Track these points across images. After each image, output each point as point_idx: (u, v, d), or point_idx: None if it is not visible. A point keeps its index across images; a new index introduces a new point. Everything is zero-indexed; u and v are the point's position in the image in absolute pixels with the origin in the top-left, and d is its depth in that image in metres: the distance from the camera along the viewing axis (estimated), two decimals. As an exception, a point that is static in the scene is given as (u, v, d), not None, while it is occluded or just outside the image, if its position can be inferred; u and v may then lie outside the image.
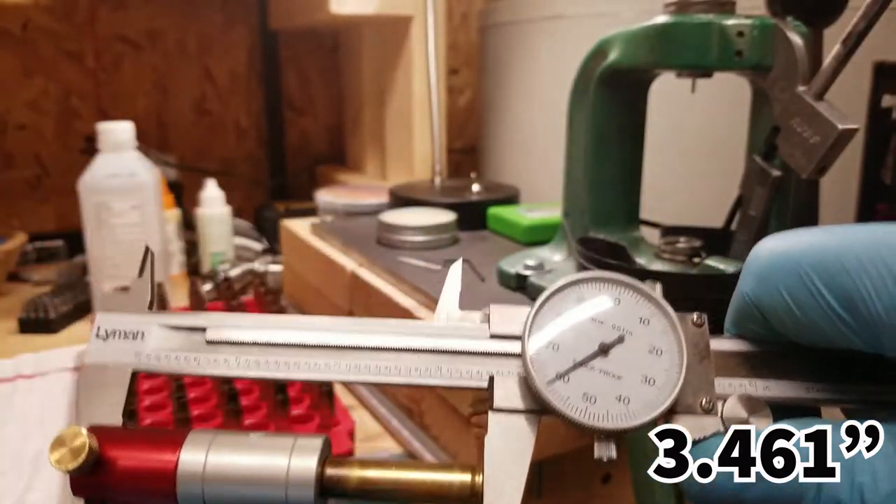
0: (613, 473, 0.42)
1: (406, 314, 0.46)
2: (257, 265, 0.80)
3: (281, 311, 0.56)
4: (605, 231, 0.45)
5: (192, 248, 0.89)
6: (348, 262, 0.56)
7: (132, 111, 1.03)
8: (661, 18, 0.38)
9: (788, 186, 0.38)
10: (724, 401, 0.17)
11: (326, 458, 0.18)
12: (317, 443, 0.17)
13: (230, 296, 0.60)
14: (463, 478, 0.17)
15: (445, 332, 0.18)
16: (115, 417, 0.18)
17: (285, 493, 0.17)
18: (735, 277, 0.36)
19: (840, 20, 0.38)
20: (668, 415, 0.17)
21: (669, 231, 0.44)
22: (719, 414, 0.17)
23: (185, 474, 0.17)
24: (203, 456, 0.17)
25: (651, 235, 0.47)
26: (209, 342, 0.18)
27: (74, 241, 0.94)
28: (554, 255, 0.48)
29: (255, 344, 0.18)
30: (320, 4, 0.81)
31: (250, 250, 0.88)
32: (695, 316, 0.18)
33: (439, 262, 0.52)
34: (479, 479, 0.17)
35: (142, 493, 0.17)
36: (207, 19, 1.05)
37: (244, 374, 0.18)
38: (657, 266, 0.41)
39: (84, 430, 0.17)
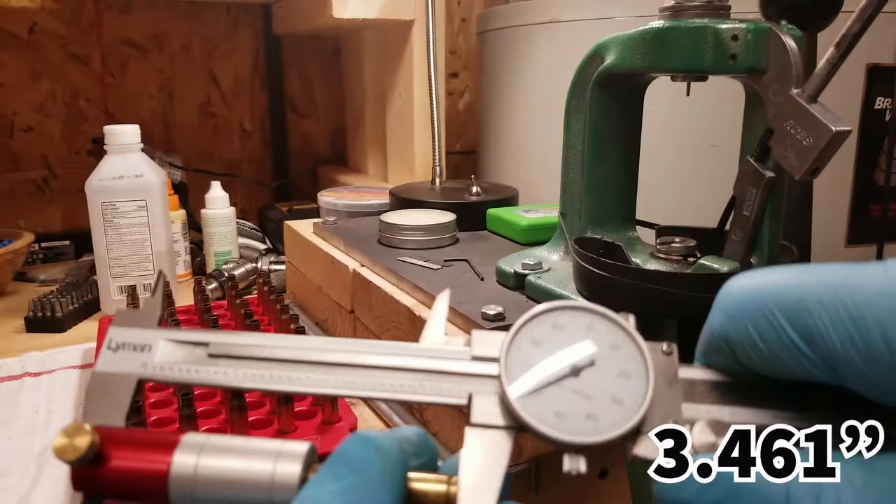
0: (610, 469, 0.43)
1: (406, 312, 0.46)
2: (261, 264, 0.81)
3: (284, 309, 0.56)
4: (601, 231, 0.46)
5: (197, 248, 0.90)
6: (350, 262, 0.57)
7: (138, 114, 1.04)
8: (657, 23, 0.39)
9: (782, 187, 0.38)
10: (692, 425, 0.18)
11: (311, 463, 0.18)
12: (302, 449, 0.18)
13: (234, 294, 0.61)
14: (438, 488, 0.18)
15: (430, 353, 0.19)
16: (118, 420, 0.19)
17: (270, 498, 0.17)
18: (729, 277, 0.37)
19: (834, 23, 0.38)
20: (636, 435, 0.18)
21: (665, 231, 0.44)
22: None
23: (177, 476, 0.18)
24: (195, 459, 0.18)
25: (647, 235, 0.47)
26: (210, 356, 0.20)
27: (81, 242, 0.95)
28: (552, 255, 0.49)
29: (252, 358, 0.20)
30: (323, 9, 0.82)
31: (254, 250, 0.89)
32: (664, 345, 0.19)
33: (439, 262, 0.53)
34: (454, 489, 0.18)
35: (137, 491, 0.18)
36: (212, 24, 1.07)
37: (241, 385, 0.19)
38: (653, 266, 0.42)
39: (88, 426, 0.18)
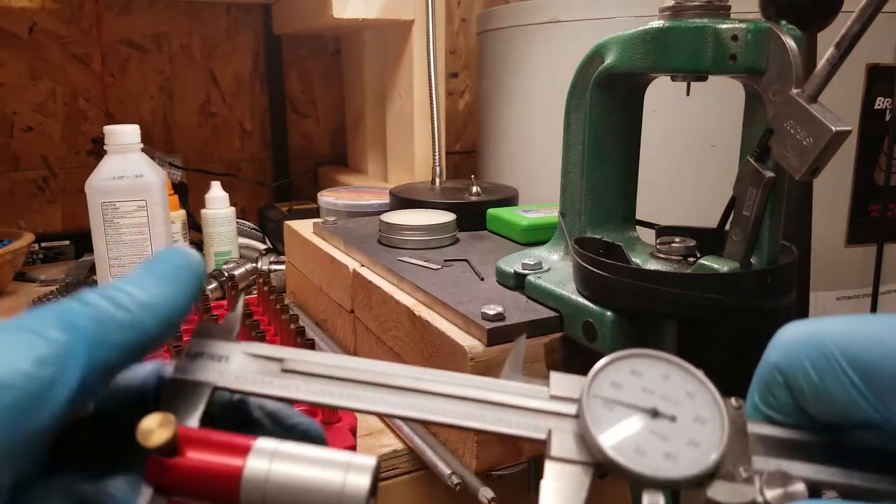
0: (610, 469, 0.43)
1: (406, 312, 0.46)
2: (261, 264, 0.81)
3: (284, 309, 0.56)
4: (601, 231, 0.46)
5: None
6: (350, 262, 0.57)
7: (138, 113, 1.04)
8: (656, 23, 0.39)
9: (782, 187, 0.38)
10: (762, 474, 0.19)
11: (377, 477, 0.19)
12: (371, 462, 0.19)
13: (234, 294, 0.61)
14: None
15: (508, 388, 0.20)
16: (192, 423, 0.20)
17: None
18: (729, 277, 0.37)
19: (834, 23, 0.38)
20: (710, 479, 0.18)
21: (665, 231, 0.44)
22: (757, 485, 0.18)
23: (250, 479, 0.18)
24: (268, 464, 0.18)
25: (647, 235, 0.47)
26: (284, 370, 0.21)
27: (81, 242, 0.95)
28: (552, 255, 0.49)
29: (323, 376, 0.21)
30: (323, 10, 0.82)
31: (254, 250, 0.89)
32: (733, 400, 0.20)
33: (439, 262, 0.53)
34: None
35: (209, 490, 0.18)
36: (212, 24, 1.07)
37: (312, 399, 0.20)
38: (653, 266, 0.42)
39: (174, 418, 0.18)
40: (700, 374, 0.20)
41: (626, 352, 0.20)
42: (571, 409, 0.19)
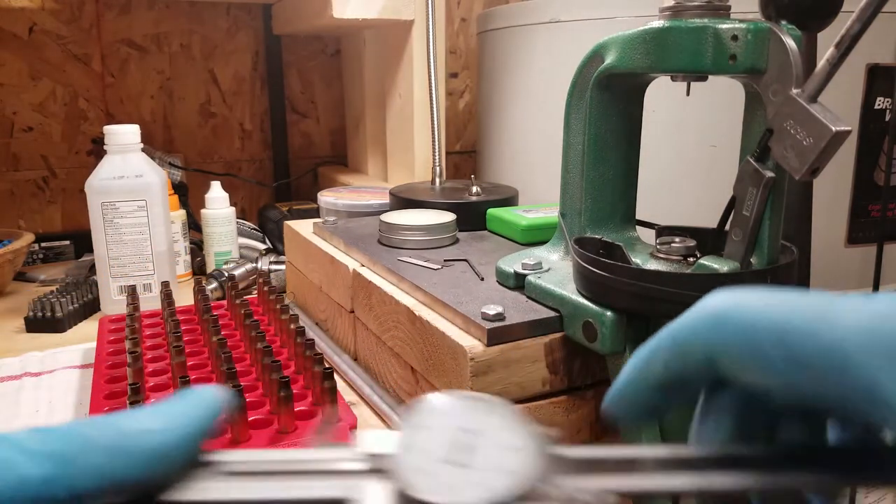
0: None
1: (406, 312, 0.46)
2: (261, 264, 0.81)
3: (284, 309, 0.56)
4: (601, 231, 0.46)
5: (197, 248, 0.90)
6: (350, 262, 0.57)
7: (138, 113, 1.04)
8: (657, 23, 0.39)
9: (782, 187, 0.38)
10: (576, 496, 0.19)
11: None
12: None
13: (234, 294, 0.61)
14: None
15: (313, 455, 0.20)
16: None
17: None
18: (729, 277, 0.37)
19: (834, 23, 0.38)
20: (525, 500, 0.19)
21: (665, 231, 0.44)
22: None
23: None
24: None
25: (647, 235, 0.47)
26: (225, 472, 0.20)
27: (81, 242, 0.95)
28: (552, 255, 0.49)
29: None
30: (323, 10, 0.82)
31: (254, 250, 0.89)
32: (549, 430, 0.21)
33: (439, 262, 0.53)
34: None
35: None
36: (212, 24, 1.07)
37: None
38: (653, 265, 0.42)
39: None
40: (504, 403, 0.20)
41: (431, 395, 0.21)
42: (384, 464, 0.19)
